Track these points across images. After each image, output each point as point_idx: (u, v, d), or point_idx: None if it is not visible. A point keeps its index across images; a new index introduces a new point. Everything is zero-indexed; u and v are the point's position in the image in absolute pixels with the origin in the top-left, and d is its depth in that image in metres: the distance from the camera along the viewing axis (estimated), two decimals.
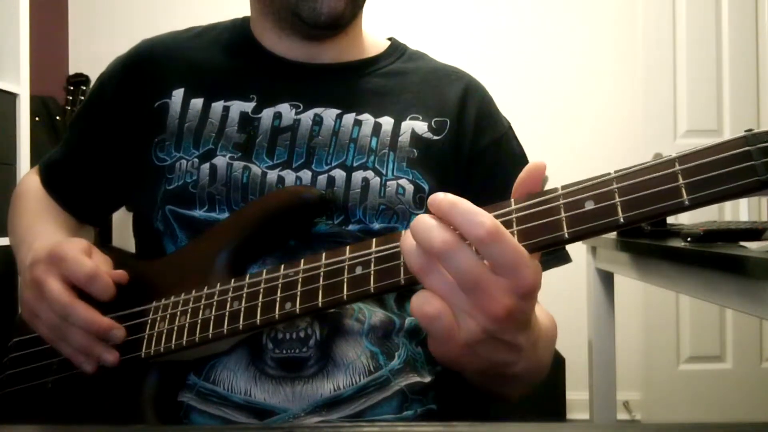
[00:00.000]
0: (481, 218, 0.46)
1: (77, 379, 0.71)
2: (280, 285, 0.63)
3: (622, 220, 0.47)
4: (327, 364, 0.71)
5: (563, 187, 0.50)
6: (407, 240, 0.48)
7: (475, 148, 0.82)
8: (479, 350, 0.50)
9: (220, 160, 0.78)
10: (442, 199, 0.47)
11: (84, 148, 0.90)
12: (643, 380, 2.73)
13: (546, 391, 2.20)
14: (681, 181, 0.46)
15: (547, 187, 0.51)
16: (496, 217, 0.50)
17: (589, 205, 0.48)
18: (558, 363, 2.34)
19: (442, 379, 0.77)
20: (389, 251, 0.57)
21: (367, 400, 0.72)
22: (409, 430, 0.60)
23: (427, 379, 0.76)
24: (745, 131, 0.46)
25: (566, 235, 0.49)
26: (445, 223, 0.47)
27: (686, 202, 0.46)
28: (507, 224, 0.50)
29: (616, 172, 0.48)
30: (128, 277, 0.73)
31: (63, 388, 0.74)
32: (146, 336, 0.70)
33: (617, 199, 0.47)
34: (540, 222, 0.49)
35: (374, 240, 0.58)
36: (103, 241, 2.46)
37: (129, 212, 0.91)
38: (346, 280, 0.59)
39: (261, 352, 0.71)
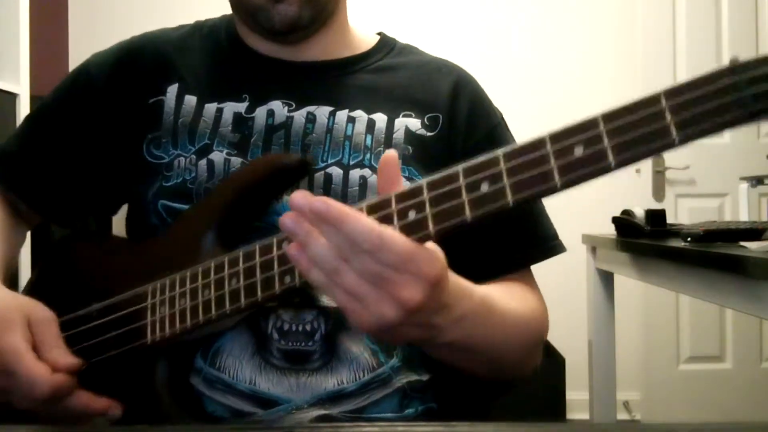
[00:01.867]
0: (366, 235, 0.49)
1: (89, 371, 0.69)
2: (276, 258, 0.62)
3: (613, 164, 0.46)
4: (331, 359, 0.72)
5: (550, 134, 0.48)
6: (316, 246, 0.51)
7: (469, 142, 0.82)
8: (395, 332, 0.54)
9: (217, 156, 0.77)
10: (329, 212, 0.50)
11: (56, 140, 0.85)
12: (643, 380, 2.73)
13: (546, 391, 2.20)
14: (669, 119, 0.45)
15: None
16: (483, 169, 0.50)
17: (578, 152, 0.47)
18: (558, 363, 2.34)
19: (439, 377, 0.77)
20: (382, 215, 0.55)
21: (370, 397, 0.72)
22: (410, 429, 0.60)
23: (425, 377, 0.76)
24: (731, 61, 0.44)
25: (558, 185, 0.48)
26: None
27: (676, 140, 0.45)
28: (497, 177, 0.50)
29: (602, 113, 0.47)
30: (81, 363, 0.67)
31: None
32: (149, 322, 0.69)
33: (606, 143, 0.46)
34: (530, 173, 0.48)
35: (365, 205, 0.56)
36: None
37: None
38: None
39: (266, 342, 0.72)
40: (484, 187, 0.50)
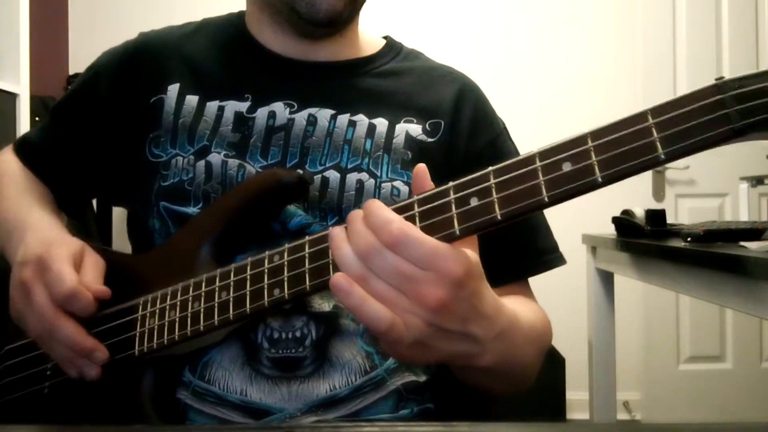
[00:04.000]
0: (388, 225, 0.50)
1: (74, 382, 0.71)
2: (266, 271, 0.63)
3: (600, 179, 0.47)
4: (323, 364, 0.71)
5: (539, 150, 0.50)
6: (341, 248, 0.52)
7: (471, 150, 0.82)
8: (432, 344, 0.53)
9: (215, 158, 0.77)
10: (363, 208, 0.52)
11: (70, 136, 0.88)
12: (643, 380, 2.73)
13: (546, 391, 2.19)
14: (656, 135, 0.46)
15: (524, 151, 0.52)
16: (473, 184, 0.52)
17: (566, 167, 0.48)
18: (558, 363, 2.34)
19: (438, 378, 0.77)
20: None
21: (363, 400, 0.71)
22: (409, 429, 0.60)
23: (423, 378, 0.75)
24: (716, 79, 0.45)
25: (546, 199, 0.49)
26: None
27: (662, 156, 0.46)
28: (486, 192, 0.51)
29: (590, 131, 0.48)
30: (111, 293, 0.71)
31: (60, 391, 0.74)
32: (137, 333, 0.70)
33: (593, 159, 0.47)
34: (519, 188, 0.50)
35: None
36: (104, 241, 2.46)
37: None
38: (331, 262, 0.59)
39: (256, 352, 0.71)
40: (473, 202, 0.52)
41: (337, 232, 0.53)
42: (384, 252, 0.50)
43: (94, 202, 2.39)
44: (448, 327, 0.52)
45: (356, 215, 0.52)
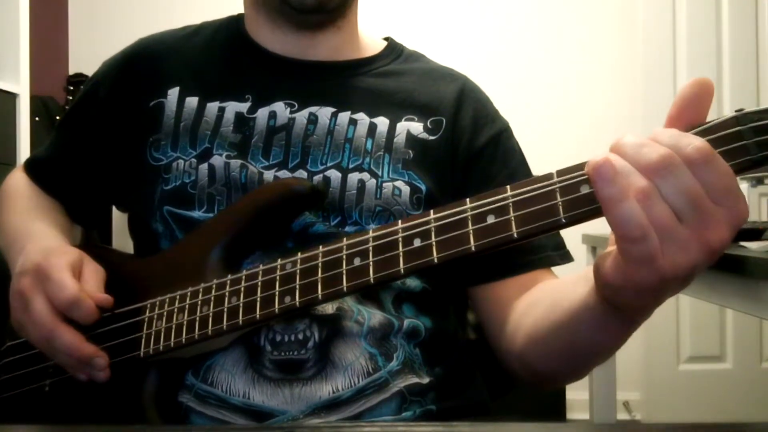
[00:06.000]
0: (691, 140, 0.43)
1: (75, 381, 0.71)
2: (278, 278, 0.63)
3: None
4: (326, 366, 0.71)
5: (558, 171, 0.50)
6: (613, 158, 0.44)
7: (473, 147, 0.82)
8: (669, 289, 0.47)
9: (218, 160, 0.77)
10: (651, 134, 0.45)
11: (76, 147, 0.89)
12: (643, 380, 2.73)
13: (546, 391, 2.19)
14: None
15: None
16: (490, 202, 0.52)
17: (584, 189, 0.48)
18: None
19: (440, 380, 0.77)
20: (387, 241, 0.57)
21: (366, 402, 0.71)
22: (410, 430, 0.60)
23: (426, 380, 0.75)
24: (736, 111, 0.46)
25: (563, 220, 0.49)
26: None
27: None
28: (503, 210, 0.52)
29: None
30: (113, 301, 0.71)
31: (61, 390, 0.74)
32: (144, 335, 0.70)
33: None
34: (536, 208, 0.50)
35: (371, 231, 0.58)
36: (104, 241, 2.46)
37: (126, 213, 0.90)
38: (345, 271, 0.59)
39: (259, 354, 0.71)
40: (490, 219, 0.52)
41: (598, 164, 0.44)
42: (680, 168, 0.43)
43: None
44: (693, 275, 0.45)
45: (632, 137, 0.45)
